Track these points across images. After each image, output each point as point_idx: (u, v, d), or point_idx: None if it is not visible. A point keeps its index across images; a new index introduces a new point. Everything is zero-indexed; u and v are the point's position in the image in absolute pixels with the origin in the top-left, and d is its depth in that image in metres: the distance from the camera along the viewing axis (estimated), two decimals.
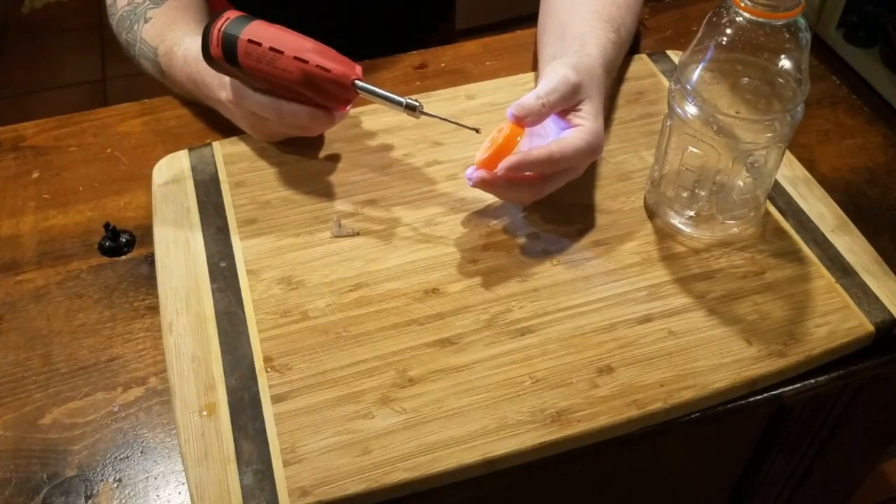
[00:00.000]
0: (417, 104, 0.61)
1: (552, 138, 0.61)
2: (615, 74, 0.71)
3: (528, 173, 0.60)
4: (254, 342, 0.56)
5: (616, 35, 0.69)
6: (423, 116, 0.62)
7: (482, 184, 0.60)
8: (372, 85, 0.62)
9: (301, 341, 0.56)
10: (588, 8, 0.70)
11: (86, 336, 0.61)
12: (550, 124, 0.63)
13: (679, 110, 0.58)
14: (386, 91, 0.62)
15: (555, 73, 0.61)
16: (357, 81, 0.62)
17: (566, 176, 0.62)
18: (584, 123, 0.61)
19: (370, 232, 0.63)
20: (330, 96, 0.62)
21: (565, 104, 0.61)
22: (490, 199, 0.66)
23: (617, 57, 0.70)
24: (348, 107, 0.65)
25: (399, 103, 0.62)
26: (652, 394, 0.54)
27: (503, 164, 0.58)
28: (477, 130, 0.63)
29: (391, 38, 0.92)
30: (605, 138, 0.71)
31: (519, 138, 0.59)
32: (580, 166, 0.63)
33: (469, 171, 0.60)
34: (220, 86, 0.66)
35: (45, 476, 0.53)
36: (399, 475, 0.50)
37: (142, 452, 0.55)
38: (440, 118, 0.63)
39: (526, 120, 0.59)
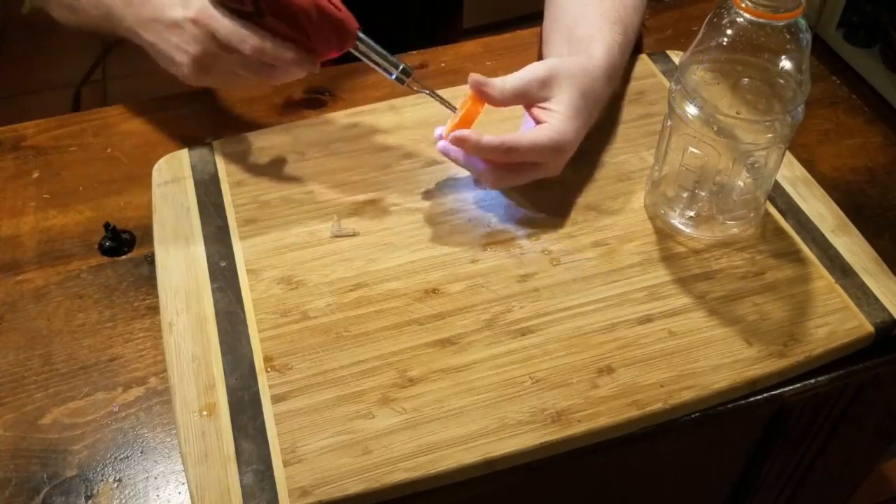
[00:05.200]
0: (412, 71, 0.62)
1: None
2: (620, 76, 0.71)
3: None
4: (254, 342, 0.56)
5: (623, 36, 0.69)
6: (411, 86, 0.63)
7: (444, 151, 0.61)
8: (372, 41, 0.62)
9: (301, 341, 0.56)
10: (595, 10, 0.69)
11: (86, 336, 0.61)
12: (529, 123, 0.64)
13: (679, 111, 0.58)
14: (383, 50, 0.62)
15: (528, 66, 0.62)
16: (360, 33, 0.61)
17: (533, 171, 0.62)
18: (551, 121, 0.61)
19: (370, 232, 0.63)
20: (325, 38, 0.60)
21: (529, 92, 0.61)
22: (491, 198, 0.66)
23: (623, 58, 0.69)
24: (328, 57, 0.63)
25: (395, 65, 0.62)
26: (652, 394, 0.54)
27: (453, 133, 0.59)
28: (454, 109, 0.63)
29: (400, 38, 0.92)
30: (607, 139, 0.71)
31: (476, 116, 0.61)
32: (549, 163, 0.62)
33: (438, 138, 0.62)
34: (179, 1, 0.59)
35: (45, 476, 0.53)
36: (399, 475, 0.50)
37: (142, 452, 0.55)
38: (426, 92, 0.64)
39: (483, 89, 0.60)
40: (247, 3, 0.56)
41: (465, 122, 0.61)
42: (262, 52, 0.58)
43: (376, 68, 0.62)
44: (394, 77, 0.63)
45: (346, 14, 0.60)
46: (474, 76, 0.60)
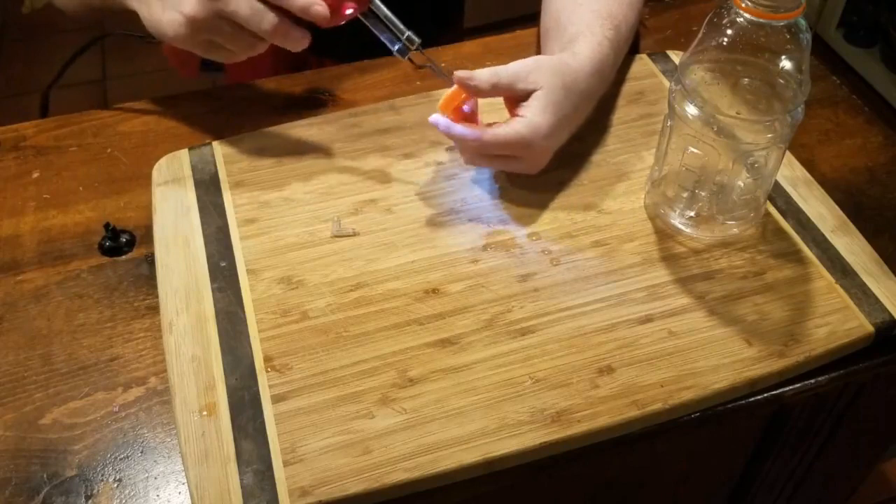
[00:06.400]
0: (417, 40, 0.63)
1: None
2: (613, 72, 0.71)
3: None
4: (254, 342, 0.56)
5: (615, 32, 0.69)
6: (413, 59, 0.65)
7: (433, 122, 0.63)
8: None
9: (301, 341, 0.56)
10: (588, 7, 0.70)
11: (86, 336, 0.61)
12: None
13: (679, 111, 0.58)
14: (394, 16, 0.63)
15: (515, 61, 0.63)
16: None
17: (508, 162, 0.64)
18: (527, 115, 0.61)
19: (370, 232, 0.63)
20: None
21: (512, 85, 0.62)
22: (491, 198, 0.66)
23: (615, 55, 0.69)
24: (349, 11, 0.63)
25: (401, 32, 0.63)
26: (652, 394, 0.54)
27: (433, 118, 0.62)
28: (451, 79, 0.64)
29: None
30: (607, 139, 0.71)
31: (459, 100, 0.63)
32: (522, 157, 0.63)
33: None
34: None
35: (45, 476, 0.53)
36: (399, 475, 0.50)
37: (142, 452, 0.55)
38: (428, 65, 0.66)
39: (467, 84, 0.61)
40: None
41: (452, 100, 0.62)
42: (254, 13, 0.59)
43: (380, 36, 0.64)
44: (397, 48, 0.64)
45: None
46: (459, 74, 0.61)
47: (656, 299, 0.59)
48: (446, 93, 0.63)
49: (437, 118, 0.62)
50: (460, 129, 0.61)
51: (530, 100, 0.62)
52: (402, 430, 0.52)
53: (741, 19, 0.53)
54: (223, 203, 0.65)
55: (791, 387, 0.57)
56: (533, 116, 0.61)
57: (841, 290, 0.60)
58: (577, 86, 0.64)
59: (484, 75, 0.61)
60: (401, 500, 0.51)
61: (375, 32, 0.64)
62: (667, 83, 0.76)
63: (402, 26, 0.64)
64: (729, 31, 0.54)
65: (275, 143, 0.70)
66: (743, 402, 0.56)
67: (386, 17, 0.63)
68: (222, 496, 0.49)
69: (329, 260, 0.61)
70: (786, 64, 0.55)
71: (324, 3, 0.60)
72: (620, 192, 0.67)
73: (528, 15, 0.83)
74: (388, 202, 0.66)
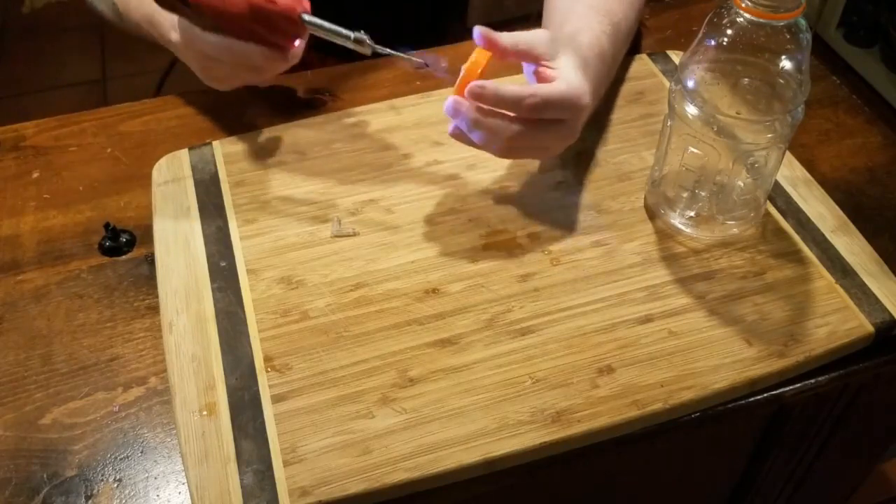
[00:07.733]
0: (366, 38, 0.61)
1: None
2: (614, 66, 0.70)
3: (508, 114, 0.58)
4: (254, 342, 0.56)
5: (613, 28, 0.68)
6: (372, 51, 0.62)
7: (454, 111, 0.58)
8: (320, 19, 0.62)
9: (301, 341, 0.56)
10: (585, 4, 0.70)
11: (86, 336, 0.61)
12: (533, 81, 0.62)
13: (679, 111, 0.58)
14: (334, 25, 0.62)
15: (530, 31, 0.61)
16: (304, 15, 0.61)
17: (552, 130, 0.59)
18: (562, 75, 0.59)
19: (370, 232, 0.63)
20: (278, 31, 0.62)
21: (536, 47, 0.60)
22: (491, 198, 0.66)
23: (613, 48, 0.68)
24: (297, 43, 0.64)
25: (347, 37, 0.62)
26: (652, 394, 0.54)
27: (469, 87, 0.57)
28: (426, 64, 0.62)
29: (408, 36, 0.92)
30: (607, 139, 0.71)
31: (482, 66, 0.58)
32: (568, 122, 0.59)
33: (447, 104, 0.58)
34: (171, 27, 0.67)
35: (45, 476, 0.53)
36: (399, 475, 0.50)
37: (142, 452, 0.55)
38: (389, 53, 0.62)
39: (492, 37, 0.58)
40: (206, 20, 0.62)
41: (471, 74, 0.58)
42: (233, 56, 0.63)
43: (336, 40, 0.62)
44: (352, 47, 0.62)
45: (282, 5, 0.61)
46: (480, 27, 0.58)
47: (656, 299, 0.59)
48: (462, 72, 0.58)
49: (482, 82, 0.56)
50: (511, 87, 0.56)
51: (557, 63, 0.60)
52: (402, 430, 0.52)
53: (741, 19, 0.53)
54: (223, 203, 0.65)
55: (791, 387, 0.57)
56: (571, 77, 0.59)
57: (841, 290, 0.60)
58: (592, 65, 0.62)
59: (505, 34, 0.59)
60: (401, 500, 0.51)
61: (328, 37, 0.62)
62: (667, 83, 0.76)
63: (344, 32, 0.61)
64: (729, 31, 0.54)
65: (275, 143, 0.70)
66: (743, 402, 0.56)
67: (324, 29, 0.61)
68: (222, 496, 0.49)
69: (329, 260, 0.61)
70: (786, 64, 0.55)
71: (284, 55, 0.64)
72: (620, 192, 0.67)
73: (529, 15, 0.83)
74: (388, 202, 0.66)
